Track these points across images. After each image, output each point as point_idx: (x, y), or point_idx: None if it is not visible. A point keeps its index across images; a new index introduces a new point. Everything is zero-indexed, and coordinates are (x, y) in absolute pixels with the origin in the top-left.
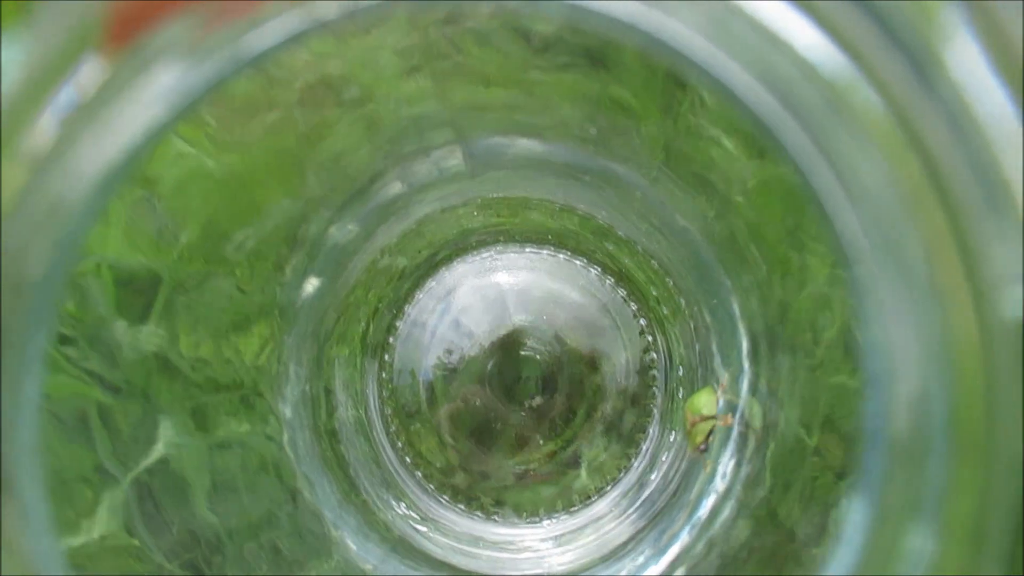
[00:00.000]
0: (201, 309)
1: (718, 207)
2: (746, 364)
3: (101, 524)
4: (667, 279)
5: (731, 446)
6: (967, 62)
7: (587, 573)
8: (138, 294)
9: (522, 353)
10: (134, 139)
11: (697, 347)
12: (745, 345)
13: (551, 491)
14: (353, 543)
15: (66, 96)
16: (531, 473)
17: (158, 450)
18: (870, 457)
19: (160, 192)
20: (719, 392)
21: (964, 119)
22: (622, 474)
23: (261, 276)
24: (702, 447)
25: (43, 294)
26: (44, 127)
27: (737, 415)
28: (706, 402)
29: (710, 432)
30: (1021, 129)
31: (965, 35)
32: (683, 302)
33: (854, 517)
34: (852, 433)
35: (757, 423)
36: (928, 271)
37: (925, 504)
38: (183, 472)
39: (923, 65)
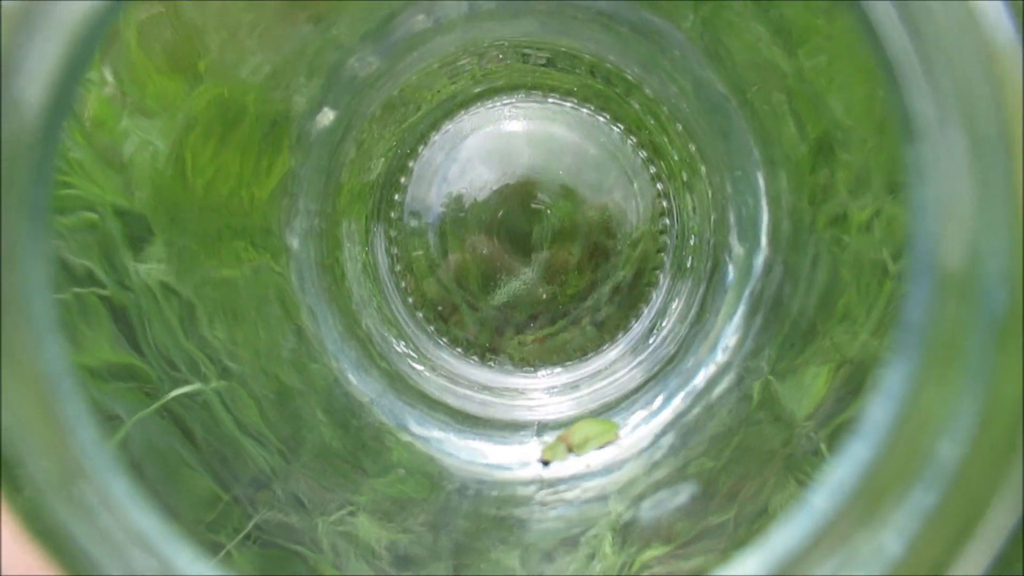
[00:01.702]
0: (213, 131)
1: (761, 76)
2: (764, 240)
3: (105, 343)
4: (690, 144)
5: (736, 319)
6: None
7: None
8: (152, 114)
9: (533, 205)
10: None
11: (713, 217)
12: (766, 220)
13: (548, 344)
14: (353, 377)
15: None
16: (530, 325)
17: (163, 272)
18: (906, 335)
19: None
20: (613, 437)
21: None
22: (620, 335)
23: (276, 103)
24: (544, 460)
25: (48, 121)
26: None
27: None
28: (585, 438)
29: (557, 458)
30: None
31: None
32: (704, 169)
33: (877, 413)
34: (877, 324)
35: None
36: (999, 124)
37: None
38: (188, 296)
39: None
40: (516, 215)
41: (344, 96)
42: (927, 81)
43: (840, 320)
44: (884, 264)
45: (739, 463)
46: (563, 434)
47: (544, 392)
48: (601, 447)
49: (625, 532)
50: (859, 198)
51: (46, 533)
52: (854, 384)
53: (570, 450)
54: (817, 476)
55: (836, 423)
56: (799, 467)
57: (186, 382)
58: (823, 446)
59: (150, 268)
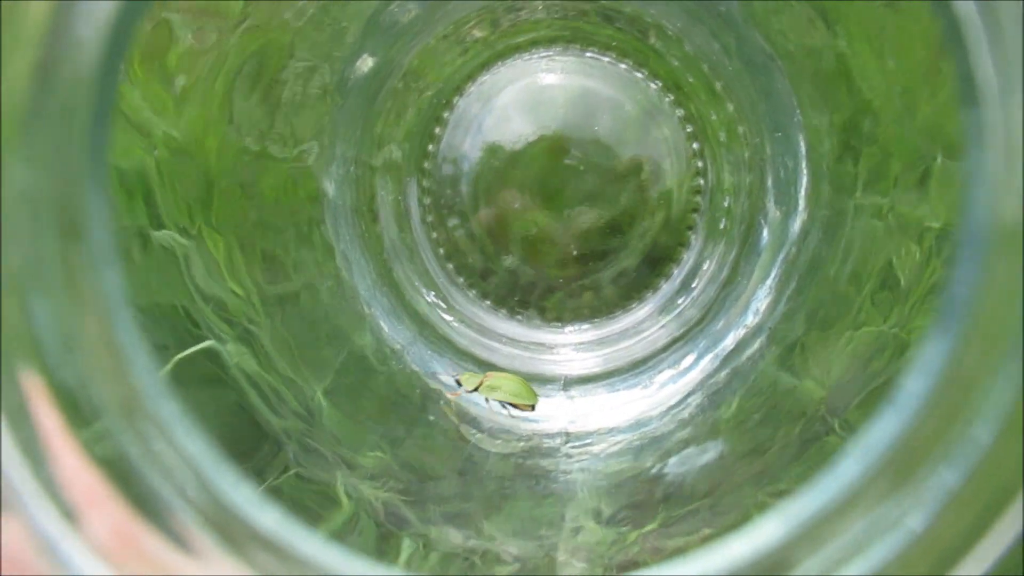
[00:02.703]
0: (255, 74)
1: (807, 37)
2: (802, 203)
3: (157, 276)
4: (729, 104)
5: (769, 283)
6: None
7: (604, 382)
8: (193, 56)
9: (567, 161)
10: None
11: (749, 179)
12: (805, 183)
13: (577, 301)
14: (385, 324)
15: None
16: (559, 280)
17: (195, 221)
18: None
19: None
20: (525, 406)
21: None
22: (650, 294)
23: (317, 48)
24: (457, 380)
25: (107, 58)
26: None
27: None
28: (495, 387)
29: (467, 387)
30: None
31: None
32: (742, 130)
33: (913, 384)
34: (912, 295)
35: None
36: None
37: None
38: (222, 246)
39: None
40: (549, 170)
41: (384, 43)
42: (991, 44)
43: (876, 289)
44: (923, 235)
45: (765, 427)
46: (488, 373)
47: (571, 348)
48: (506, 406)
49: (647, 489)
50: (901, 167)
51: (107, 458)
52: (885, 355)
53: (476, 389)
54: (846, 442)
55: (865, 392)
56: (824, 435)
57: (208, 338)
58: (837, 422)
59: (179, 220)
